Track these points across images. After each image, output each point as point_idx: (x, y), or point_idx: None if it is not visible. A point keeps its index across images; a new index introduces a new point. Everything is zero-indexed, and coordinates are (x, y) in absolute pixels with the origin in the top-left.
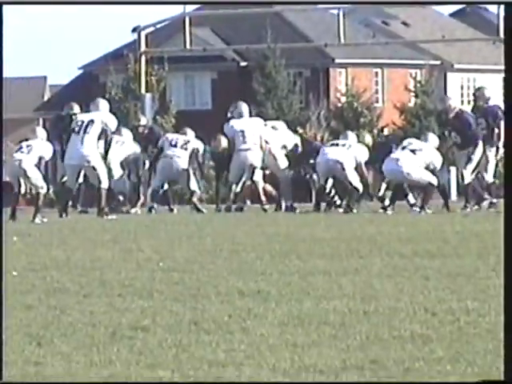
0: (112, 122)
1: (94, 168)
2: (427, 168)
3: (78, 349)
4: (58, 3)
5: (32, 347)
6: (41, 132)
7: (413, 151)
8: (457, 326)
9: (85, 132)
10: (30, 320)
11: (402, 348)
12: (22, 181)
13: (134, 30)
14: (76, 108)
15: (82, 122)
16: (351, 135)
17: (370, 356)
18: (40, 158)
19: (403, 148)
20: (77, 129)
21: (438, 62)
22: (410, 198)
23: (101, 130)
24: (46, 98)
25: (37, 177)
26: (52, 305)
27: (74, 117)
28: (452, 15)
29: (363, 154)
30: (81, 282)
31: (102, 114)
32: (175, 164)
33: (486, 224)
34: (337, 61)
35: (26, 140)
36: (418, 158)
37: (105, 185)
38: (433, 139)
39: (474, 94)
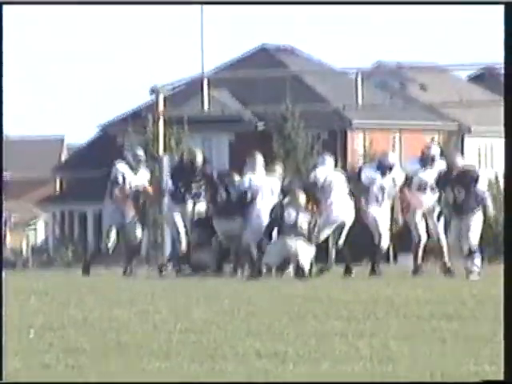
0: None
1: None
2: None
3: None
4: (58, 3)
5: None
6: None
7: None
8: None
9: None
10: (48, 379)
11: None
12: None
13: (152, 92)
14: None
15: None
16: None
17: None
18: None
19: None
20: None
21: (456, 126)
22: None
23: None
24: (63, 159)
25: None
26: (69, 364)
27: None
28: (470, 79)
29: None
30: (98, 343)
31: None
32: None
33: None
34: (354, 123)
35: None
36: None
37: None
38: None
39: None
